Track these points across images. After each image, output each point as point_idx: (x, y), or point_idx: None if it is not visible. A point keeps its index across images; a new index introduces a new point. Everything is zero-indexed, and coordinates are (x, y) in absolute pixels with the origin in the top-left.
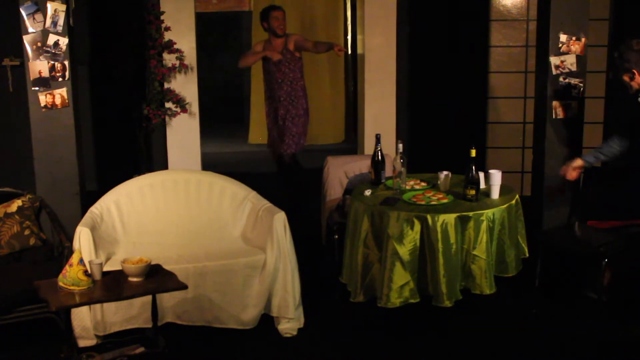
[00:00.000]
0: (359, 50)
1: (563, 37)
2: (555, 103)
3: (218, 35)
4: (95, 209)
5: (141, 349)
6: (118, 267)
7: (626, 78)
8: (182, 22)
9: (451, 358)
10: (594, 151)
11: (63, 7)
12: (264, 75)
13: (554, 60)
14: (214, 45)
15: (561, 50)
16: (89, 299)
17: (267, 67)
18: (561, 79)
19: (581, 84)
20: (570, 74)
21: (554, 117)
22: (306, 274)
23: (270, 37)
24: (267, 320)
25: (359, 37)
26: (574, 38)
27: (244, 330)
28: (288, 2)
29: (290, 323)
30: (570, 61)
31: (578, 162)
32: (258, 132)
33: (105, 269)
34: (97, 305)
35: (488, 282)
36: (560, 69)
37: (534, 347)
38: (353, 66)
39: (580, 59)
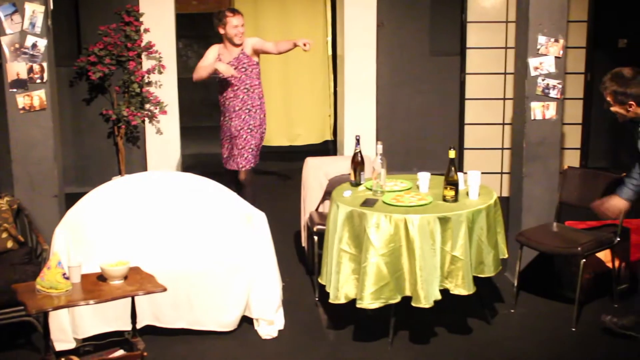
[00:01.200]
0: (339, 52)
1: (542, 39)
2: (534, 104)
3: (198, 36)
4: (74, 212)
5: (120, 352)
6: (97, 270)
7: (622, 110)
8: (162, 23)
9: (431, 358)
10: (629, 184)
11: (41, 9)
12: (218, 82)
13: (532, 61)
14: (194, 46)
15: (540, 51)
16: (67, 302)
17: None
18: (540, 80)
19: (560, 85)
20: (549, 75)
21: (532, 118)
22: (286, 276)
23: (225, 42)
24: (247, 322)
25: (338, 38)
26: (552, 40)
27: (224, 333)
28: (267, 3)
29: (270, 325)
30: (548, 63)
31: (623, 204)
32: None
33: (84, 271)
34: (76, 308)
35: (467, 283)
36: (539, 70)
37: (513, 346)
38: (334, 67)
39: (558, 60)
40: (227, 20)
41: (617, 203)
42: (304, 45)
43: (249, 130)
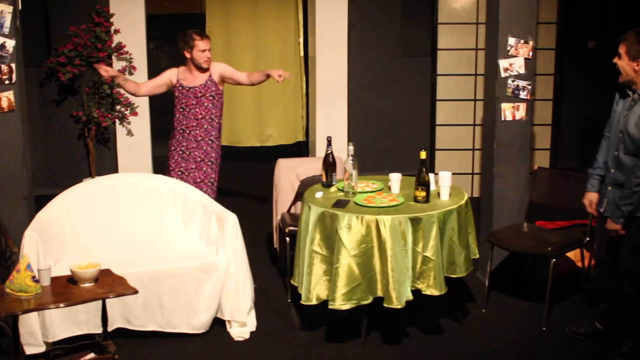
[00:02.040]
0: (311, 53)
1: (511, 41)
2: (504, 105)
3: (169, 37)
4: (43, 214)
5: (91, 355)
6: (67, 273)
7: (629, 67)
8: (133, 24)
9: (403, 359)
10: (594, 175)
11: (10, 9)
12: (177, 108)
13: (502, 63)
14: (165, 47)
15: (510, 53)
16: (37, 306)
17: (183, 99)
18: (510, 81)
19: (530, 86)
20: (519, 76)
21: (503, 119)
22: (258, 277)
23: (189, 65)
24: (219, 324)
25: (310, 40)
26: (522, 41)
27: (196, 335)
28: (238, 4)
29: (242, 326)
30: (518, 64)
31: (593, 196)
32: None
33: (54, 274)
34: (46, 312)
35: (438, 283)
36: (509, 71)
37: (484, 346)
38: (306, 69)
39: (528, 61)
40: (195, 44)
41: (588, 196)
42: (279, 76)
43: (209, 163)
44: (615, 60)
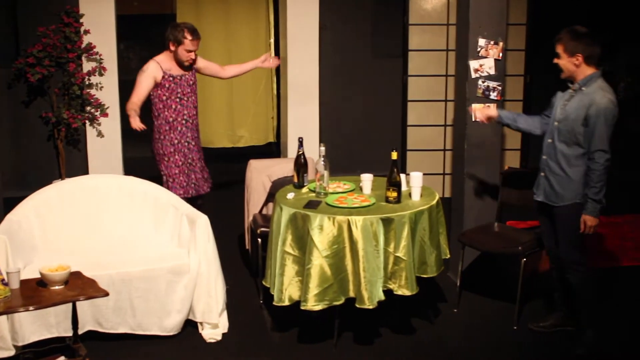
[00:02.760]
0: (282, 54)
1: (482, 42)
2: (474, 106)
3: (140, 37)
4: (13, 216)
5: (62, 358)
6: (37, 275)
7: (569, 63)
8: (102, 25)
9: (375, 358)
10: (514, 113)
11: None
12: (172, 99)
13: (473, 64)
14: (136, 48)
15: (480, 54)
16: (6, 309)
17: (178, 89)
18: (480, 82)
19: (500, 87)
20: (489, 77)
21: (473, 119)
22: (230, 279)
23: (169, 56)
24: (191, 326)
25: (281, 40)
26: (492, 42)
27: (168, 337)
28: (209, 5)
29: (214, 328)
30: (488, 65)
31: (493, 112)
32: None
33: (23, 277)
34: (15, 315)
35: (410, 283)
36: (479, 72)
37: (456, 345)
38: (276, 69)
39: (498, 62)
40: (184, 42)
41: (490, 110)
42: (263, 62)
43: (201, 149)
44: (556, 60)
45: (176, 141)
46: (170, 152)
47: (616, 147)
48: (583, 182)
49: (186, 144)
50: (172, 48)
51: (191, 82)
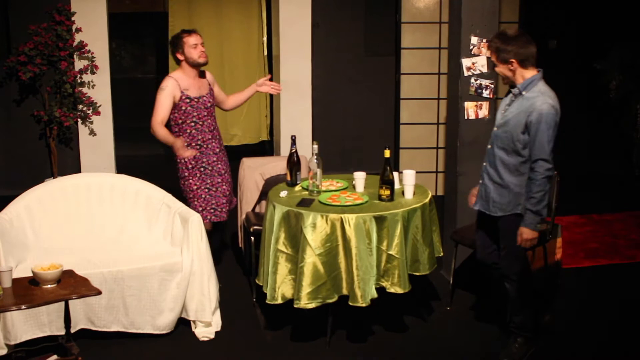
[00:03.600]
0: (274, 52)
1: (474, 40)
2: (467, 104)
3: (132, 36)
4: (4, 215)
5: (54, 357)
6: (29, 274)
7: (505, 70)
8: (94, 23)
9: (368, 357)
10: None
11: None
12: (187, 123)
13: (465, 62)
14: (128, 46)
15: (472, 52)
16: None
17: (194, 113)
18: (473, 80)
19: (492, 85)
20: (482, 75)
21: (466, 117)
22: (223, 277)
23: (186, 70)
24: (183, 324)
25: (274, 38)
26: (484, 40)
27: (161, 335)
28: (201, 3)
29: (207, 326)
30: (481, 63)
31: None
32: None
33: (16, 275)
34: (7, 314)
35: (403, 281)
36: (472, 70)
37: (449, 343)
38: (269, 68)
39: (491, 60)
40: (184, 42)
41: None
42: (270, 87)
43: (229, 171)
44: (495, 69)
45: (191, 166)
46: (185, 176)
47: (607, 145)
48: (524, 191)
49: (202, 169)
50: (181, 57)
51: (209, 105)
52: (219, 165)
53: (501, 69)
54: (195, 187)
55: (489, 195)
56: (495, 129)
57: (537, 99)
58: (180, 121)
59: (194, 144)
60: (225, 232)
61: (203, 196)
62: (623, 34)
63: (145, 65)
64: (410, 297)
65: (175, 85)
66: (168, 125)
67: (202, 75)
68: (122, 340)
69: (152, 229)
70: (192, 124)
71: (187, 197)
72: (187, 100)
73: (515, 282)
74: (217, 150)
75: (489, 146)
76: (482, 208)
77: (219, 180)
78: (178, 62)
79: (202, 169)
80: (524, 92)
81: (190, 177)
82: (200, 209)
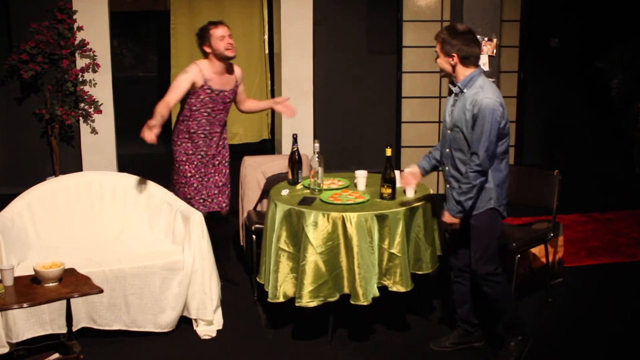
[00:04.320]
0: (276, 50)
1: None
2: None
3: (134, 34)
4: (6, 213)
5: (56, 355)
6: (31, 272)
7: (445, 63)
8: (96, 21)
9: (369, 356)
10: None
11: None
12: (200, 111)
13: None
14: (129, 44)
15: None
16: (0, 306)
17: (210, 104)
18: None
19: (494, 84)
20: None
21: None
22: (228, 274)
23: (214, 62)
24: (185, 323)
25: (275, 37)
26: (486, 39)
27: (162, 333)
28: (203, 1)
29: (209, 325)
30: (482, 61)
31: (416, 176)
32: None
33: (17, 274)
34: (9, 312)
35: (405, 280)
36: None
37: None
38: (271, 66)
39: (492, 59)
40: (211, 34)
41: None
42: (286, 108)
43: (227, 165)
44: (436, 59)
45: (190, 152)
46: (182, 161)
47: (608, 144)
48: (493, 185)
49: (200, 157)
50: (209, 50)
51: (227, 100)
52: (218, 159)
53: (442, 61)
54: (189, 175)
55: (454, 196)
56: (448, 131)
57: (478, 94)
58: (194, 108)
59: (200, 132)
60: (228, 228)
61: (195, 185)
62: (624, 32)
63: (147, 64)
64: (412, 296)
65: (198, 73)
66: (182, 108)
67: (230, 70)
68: (124, 338)
69: (154, 227)
70: (205, 114)
71: (177, 183)
72: (209, 91)
73: (495, 284)
74: (220, 144)
75: (447, 150)
76: (448, 207)
77: (212, 170)
78: (206, 54)
79: (199, 157)
80: (464, 90)
81: (187, 163)
82: (189, 197)
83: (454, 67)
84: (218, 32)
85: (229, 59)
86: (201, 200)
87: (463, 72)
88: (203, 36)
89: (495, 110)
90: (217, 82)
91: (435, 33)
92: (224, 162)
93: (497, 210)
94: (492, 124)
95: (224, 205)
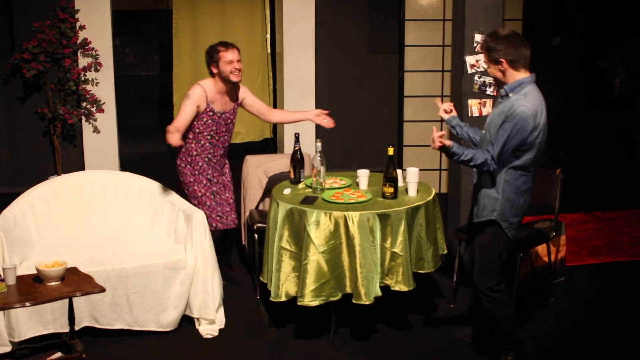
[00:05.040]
0: (278, 50)
1: (478, 37)
2: (470, 101)
3: (136, 33)
4: (8, 212)
5: (58, 354)
6: (33, 271)
7: (496, 72)
8: (98, 20)
9: (371, 355)
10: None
11: None
12: (204, 134)
13: (469, 59)
14: (131, 43)
15: (476, 49)
16: (2, 305)
17: (213, 127)
18: (476, 77)
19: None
20: (485, 73)
21: (469, 115)
22: (230, 274)
23: (218, 83)
24: (187, 322)
25: (277, 36)
26: None
27: (164, 333)
28: (205, 1)
29: (211, 324)
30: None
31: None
32: None
33: (20, 273)
34: (12, 311)
35: (407, 279)
36: (476, 68)
37: (453, 341)
38: (273, 65)
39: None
40: (220, 56)
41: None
42: (322, 119)
43: (227, 186)
44: (487, 70)
45: (197, 172)
46: (190, 182)
47: (611, 143)
48: (501, 197)
49: (207, 177)
50: (215, 70)
51: (229, 121)
52: (223, 178)
53: (492, 70)
54: (200, 194)
55: (476, 199)
56: (483, 131)
57: (518, 100)
58: (197, 130)
59: (203, 155)
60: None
61: (208, 203)
62: (626, 31)
63: (149, 63)
64: (414, 295)
65: (202, 95)
66: (185, 132)
67: (235, 89)
68: (126, 337)
69: (156, 226)
70: (209, 137)
71: (192, 205)
72: (211, 114)
73: (492, 299)
74: (224, 165)
75: (476, 149)
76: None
77: (222, 188)
78: (212, 74)
79: (207, 177)
80: (510, 94)
81: (196, 183)
82: (206, 215)
83: (504, 72)
84: (227, 56)
85: (232, 86)
86: (217, 218)
87: (513, 77)
88: (212, 56)
89: (526, 119)
90: (219, 103)
91: (481, 44)
92: (231, 181)
93: (500, 226)
94: (516, 132)
95: (236, 223)
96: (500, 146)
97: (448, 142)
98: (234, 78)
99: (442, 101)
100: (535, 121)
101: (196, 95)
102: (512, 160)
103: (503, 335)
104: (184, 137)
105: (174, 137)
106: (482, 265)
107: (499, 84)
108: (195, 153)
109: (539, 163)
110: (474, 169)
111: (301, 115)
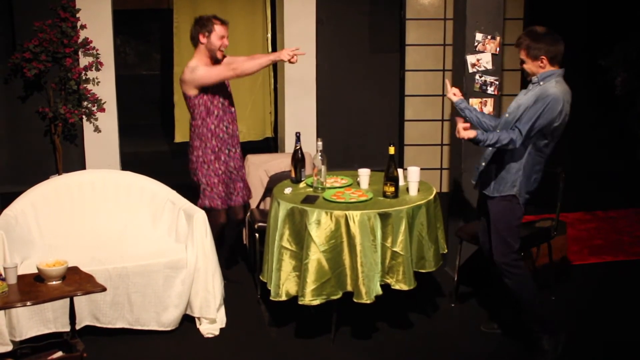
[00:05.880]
0: (279, 49)
1: (479, 36)
2: (472, 101)
3: (137, 32)
4: (9, 211)
5: (59, 354)
6: (34, 271)
7: (534, 67)
8: (99, 19)
9: (372, 354)
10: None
11: None
12: (215, 104)
13: (470, 58)
14: (132, 43)
15: (477, 48)
16: (3, 304)
17: (222, 92)
18: (477, 77)
19: (497, 82)
20: (486, 72)
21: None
22: (227, 274)
23: (200, 54)
24: (188, 321)
25: (278, 35)
26: (489, 37)
27: (165, 332)
28: (206, 0)
29: (212, 323)
30: (486, 59)
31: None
32: (185, 131)
33: (21, 272)
34: (13, 310)
35: (408, 278)
36: (477, 67)
37: (453, 340)
38: (274, 64)
39: (495, 57)
40: (214, 28)
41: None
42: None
43: (242, 158)
44: (522, 66)
45: (217, 149)
46: (211, 160)
47: (612, 142)
48: (521, 174)
49: (227, 151)
50: (204, 40)
51: (227, 84)
52: (237, 153)
53: (530, 65)
54: (220, 172)
55: (489, 175)
56: (506, 115)
57: (550, 86)
58: (209, 103)
59: (221, 125)
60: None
61: (225, 181)
62: (628, 30)
63: (150, 62)
64: (415, 294)
65: (201, 59)
66: (191, 109)
67: (215, 59)
68: (127, 336)
69: (157, 225)
70: (220, 104)
71: (207, 182)
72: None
73: (515, 276)
74: (237, 132)
75: (498, 131)
76: (481, 188)
77: (239, 164)
78: (195, 43)
79: (227, 151)
80: (541, 83)
81: (217, 161)
82: (223, 194)
83: (543, 68)
84: (221, 31)
85: (215, 60)
86: (235, 194)
87: (547, 69)
88: (204, 25)
89: (557, 101)
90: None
91: (516, 41)
92: (240, 154)
93: (517, 199)
94: (547, 110)
95: (247, 197)
96: (531, 123)
97: (472, 133)
98: (219, 55)
99: (446, 97)
100: (561, 104)
101: (200, 63)
102: (535, 140)
103: (530, 314)
104: (195, 122)
105: (284, 51)
106: (499, 240)
107: (528, 74)
108: (213, 126)
109: (550, 152)
110: (484, 155)
111: (271, 56)
